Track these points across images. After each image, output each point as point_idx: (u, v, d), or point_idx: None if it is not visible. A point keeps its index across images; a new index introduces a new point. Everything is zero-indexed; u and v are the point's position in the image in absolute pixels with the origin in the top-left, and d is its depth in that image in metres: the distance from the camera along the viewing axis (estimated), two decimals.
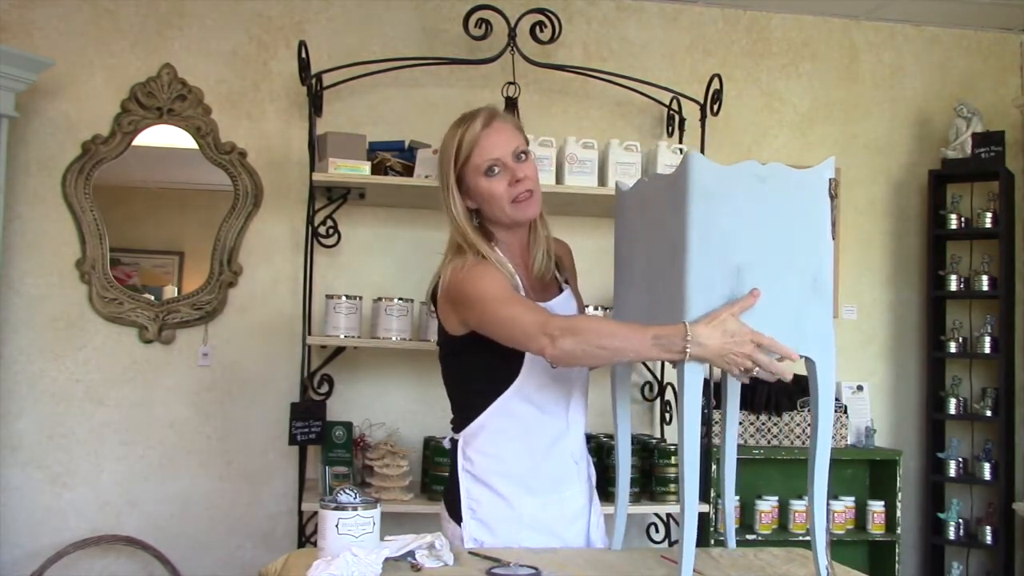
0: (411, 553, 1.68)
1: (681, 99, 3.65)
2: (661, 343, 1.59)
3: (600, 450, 3.24)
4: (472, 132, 1.86)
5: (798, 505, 3.58)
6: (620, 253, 1.89)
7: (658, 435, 3.65)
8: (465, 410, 1.97)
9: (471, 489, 1.93)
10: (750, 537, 3.54)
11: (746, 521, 3.63)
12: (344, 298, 3.24)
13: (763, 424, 3.62)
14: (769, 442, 3.63)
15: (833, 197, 1.65)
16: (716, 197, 1.57)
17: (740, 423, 3.60)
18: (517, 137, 1.91)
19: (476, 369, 1.91)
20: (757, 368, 1.61)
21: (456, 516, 1.94)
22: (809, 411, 3.65)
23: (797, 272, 1.63)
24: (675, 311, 1.59)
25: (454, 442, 1.99)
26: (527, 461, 1.92)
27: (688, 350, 1.56)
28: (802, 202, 1.64)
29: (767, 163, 1.63)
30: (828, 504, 1.74)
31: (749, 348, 1.58)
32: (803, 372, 1.69)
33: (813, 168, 1.66)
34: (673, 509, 3.38)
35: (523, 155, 1.90)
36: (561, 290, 2.01)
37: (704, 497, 3.46)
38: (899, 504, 3.65)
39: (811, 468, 1.68)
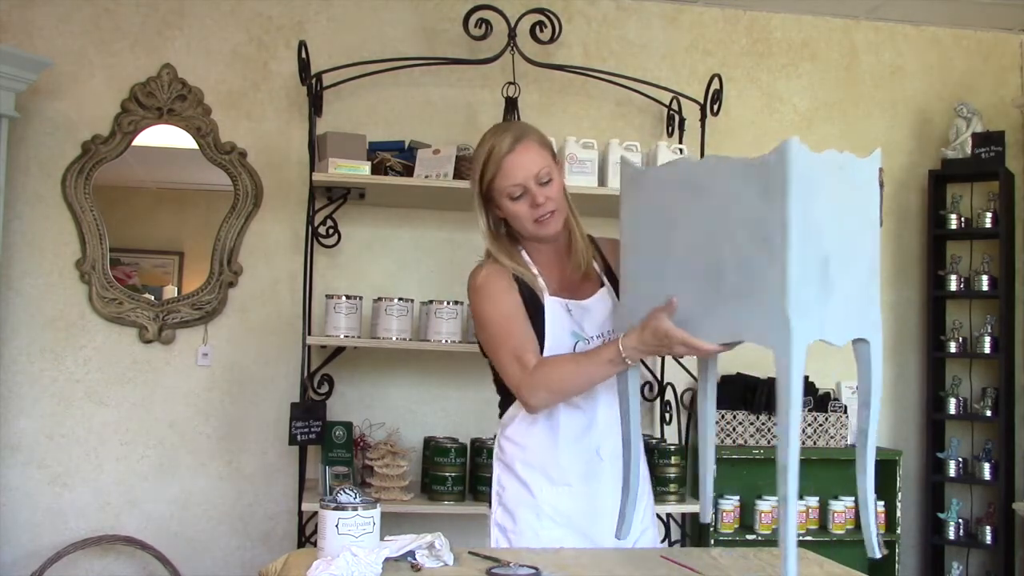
0: (411, 553, 1.68)
1: (681, 99, 3.65)
2: (614, 361, 1.81)
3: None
4: (497, 154, 1.93)
5: (798, 505, 3.57)
6: (635, 235, 1.81)
7: (658, 435, 3.65)
8: (503, 401, 2.08)
9: (500, 476, 2.06)
10: (750, 537, 3.54)
11: (746, 521, 3.63)
12: (344, 298, 3.24)
13: (763, 424, 3.62)
14: (769, 442, 3.63)
15: (882, 186, 1.72)
16: (809, 186, 1.57)
17: (740, 423, 3.61)
18: (541, 158, 1.95)
19: None
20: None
21: (491, 502, 2.09)
22: (809, 411, 3.68)
23: (863, 259, 1.68)
24: (769, 301, 1.57)
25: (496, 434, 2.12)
26: (550, 451, 2.00)
27: (627, 361, 1.80)
28: (865, 190, 1.69)
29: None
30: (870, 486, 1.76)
31: (679, 349, 1.73)
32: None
33: (867, 158, 1.69)
34: (673, 509, 3.38)
35: (547, 178, 1.95)
36: (603, 284, 2.06)
37: None
38: (899, 504, 3.66)
39: (861, 449, 1.73)
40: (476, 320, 2.03)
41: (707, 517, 1.95)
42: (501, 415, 2.10)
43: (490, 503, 2.10)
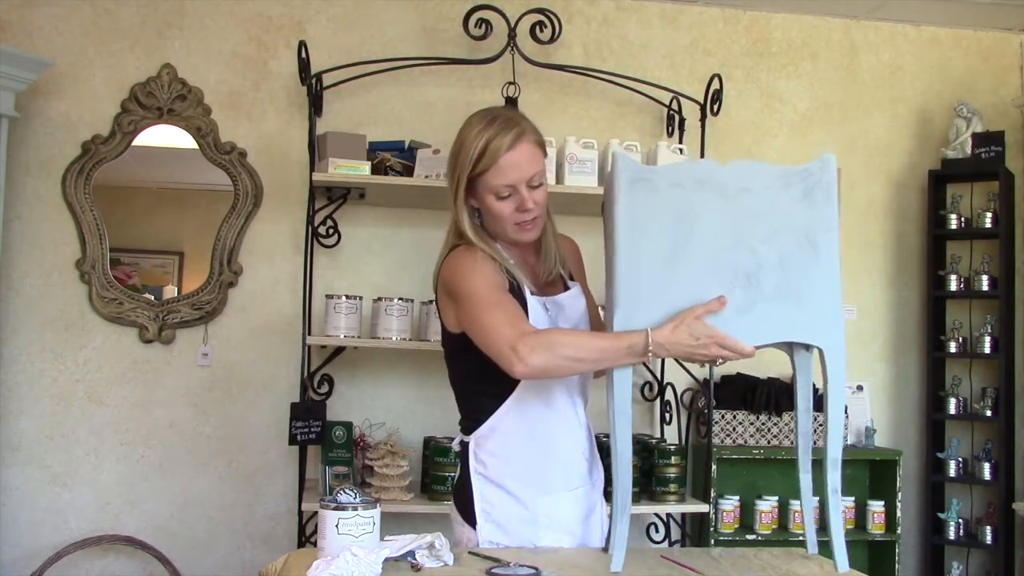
0: (411, 553, 1.68)
1: (681, 99, 3.65)
2: (634, 350, 1.70)
3: (599, 450, 3.23)
4: (495, 147, 1.83)
5: (797, 505, 3.57)
6: (639, 235, 1.75)
7: (658, 435, 3.65)
8: (475, 412, 1.96)
9: (485, 492, 1.92)
10: (750, 537, 3.54)
11: (746, 521, 3.63)
12: (344, 298, 3.24)
13: (763, 424, 3.62)
14: (769, 442, 3.63)
15: None
16: None
17: (740, 423, 3.61)
18: (537, 161, 1.88)
19: (482, 368, 1.83)
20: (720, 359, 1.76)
21: (469, 519, 1.93)
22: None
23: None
24: (818, 300, 1.78)
25: (464, 444, 1.98)
26: (540, 460, 1.93)
27: (650, 355, 1.69)
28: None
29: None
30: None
31: (715, 350, 1.72)
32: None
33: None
34: (673, 509, 3.38)
35: (538, 182, 1.88)
36: (567, 287, 2.02)
37: (704, 497, 3.46)
38: (899, 504, 3.65)
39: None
40: (459, 296, 1.85)
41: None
42: (469, 430, 1.96)
43: (470, 521, 1.93)
